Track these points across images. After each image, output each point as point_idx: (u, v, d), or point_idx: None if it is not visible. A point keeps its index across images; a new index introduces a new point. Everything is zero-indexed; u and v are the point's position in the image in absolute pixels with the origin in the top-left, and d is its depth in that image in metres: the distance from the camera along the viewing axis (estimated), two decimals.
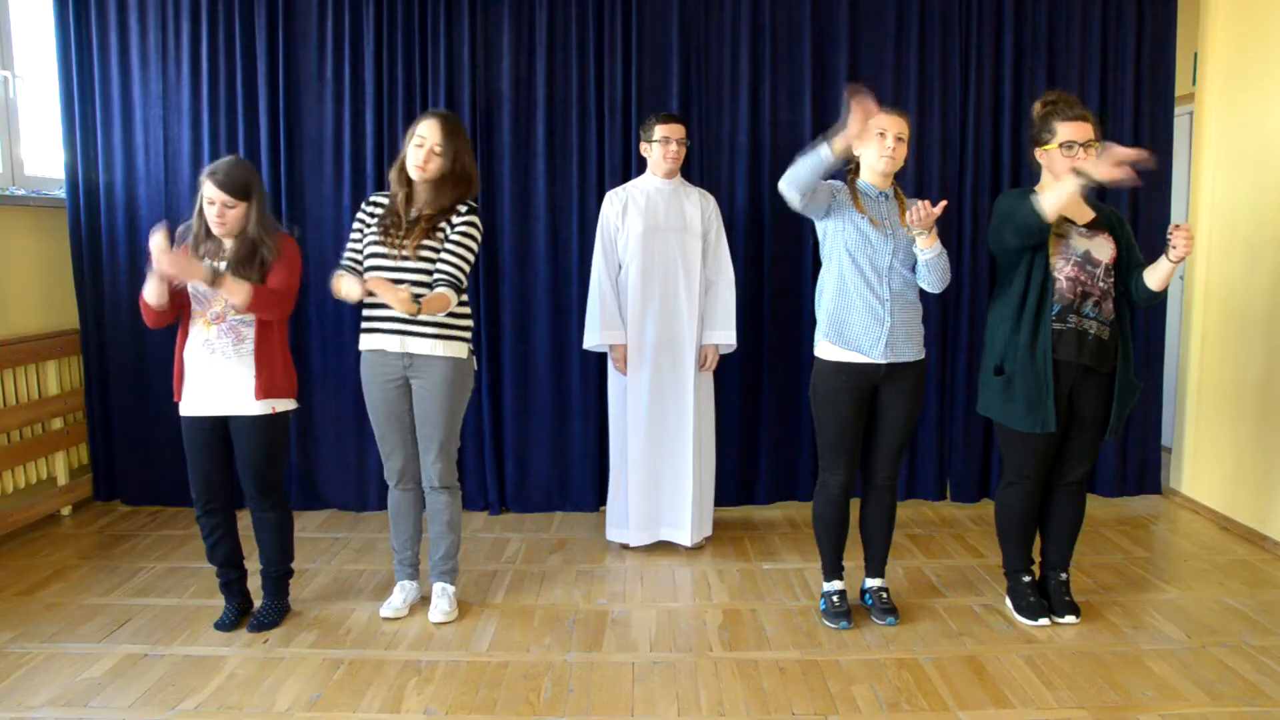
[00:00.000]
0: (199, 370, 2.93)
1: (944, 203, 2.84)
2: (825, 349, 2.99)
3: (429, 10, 4.10)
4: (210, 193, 2.82)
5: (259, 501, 3.05)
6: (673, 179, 3.67)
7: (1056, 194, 2.72)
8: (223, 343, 2.91)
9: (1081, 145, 2.84)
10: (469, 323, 3.09)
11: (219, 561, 3.08)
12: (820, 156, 2.75)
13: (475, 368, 3.20)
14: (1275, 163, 3.79)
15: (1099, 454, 3.55)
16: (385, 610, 3.15)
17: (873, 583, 3.17)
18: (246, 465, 3.00)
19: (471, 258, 3.00)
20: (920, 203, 2.81)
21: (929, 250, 2.90)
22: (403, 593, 3.20)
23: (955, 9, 4.18)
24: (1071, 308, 2.88)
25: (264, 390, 2.92)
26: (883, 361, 2.93)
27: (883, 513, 3.12)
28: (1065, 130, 2.85)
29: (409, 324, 2.96)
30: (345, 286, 2.86)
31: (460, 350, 3.04)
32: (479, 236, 3.03)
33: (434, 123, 2.94)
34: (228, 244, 2.89)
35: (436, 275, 2.94)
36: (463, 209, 3.01)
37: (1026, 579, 3.12)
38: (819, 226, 3.03)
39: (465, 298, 3.05)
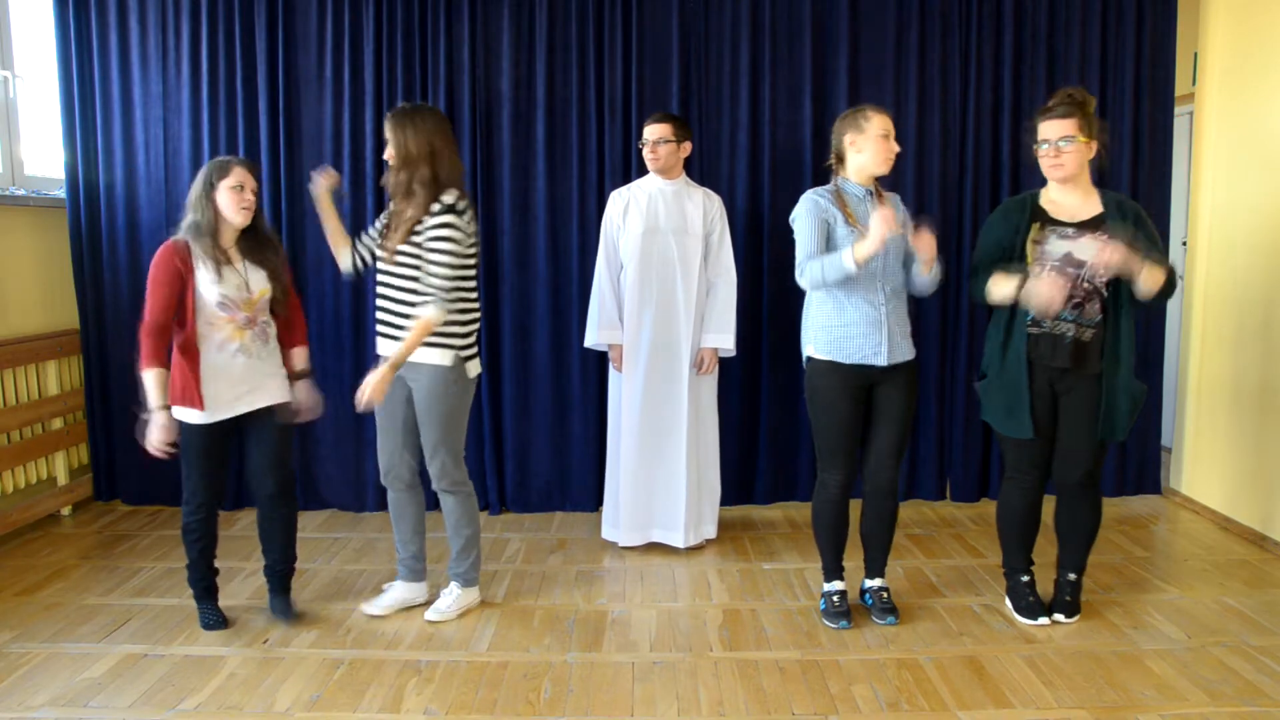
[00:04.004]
0: (230, 376, 2.90)
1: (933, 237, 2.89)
2: (818, 351, 2.98)
3: (429, 10, 4.10)
4: (243, 178, 2.88)
5: (280, 498, 3.07)
6: (674, 179, 3.66)
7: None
8: (256, 345, 2.96)
9: (1054, 143, 2.82)
10: (460, 329, 2.96)
11: (207, 566, 3.07)
12: (844, 268, 2.79)
13: (474, 374, 3.04)
14: (1275, 163, 3.79)
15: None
16: (368, 606, 3.17)
17: (872, 583, 3.16)
18: (276, 458, 3.03)
19: (451, 261, 2.84)
20: (925, 235, 2.86)
21: (933, 273, 2.95)
22: (392, 591, 3.20)
23: (955, 9, 4.18)
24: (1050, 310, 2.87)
25: (292, 372, 3.07)
26: (883, 364, 2.93)
27: (884, 516, 3.10)
28: (1042, 129, 2.86)
29: (396, 330, 2.92)
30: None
31: (444, 358, 2.93)
32: (455, 236, 2.85)
33: (386, 121, 2.91)
34: (230, 235, 2.92)
35: (422, 293, 2.86)
36: (436, 208, 2.85)
37: (1025, 579, 3.11)
38: None
39: (465, 304, 2.97)
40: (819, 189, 2.99)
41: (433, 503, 3.50)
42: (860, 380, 2.96)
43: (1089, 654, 2.85)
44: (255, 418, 2.98)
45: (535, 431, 4.27)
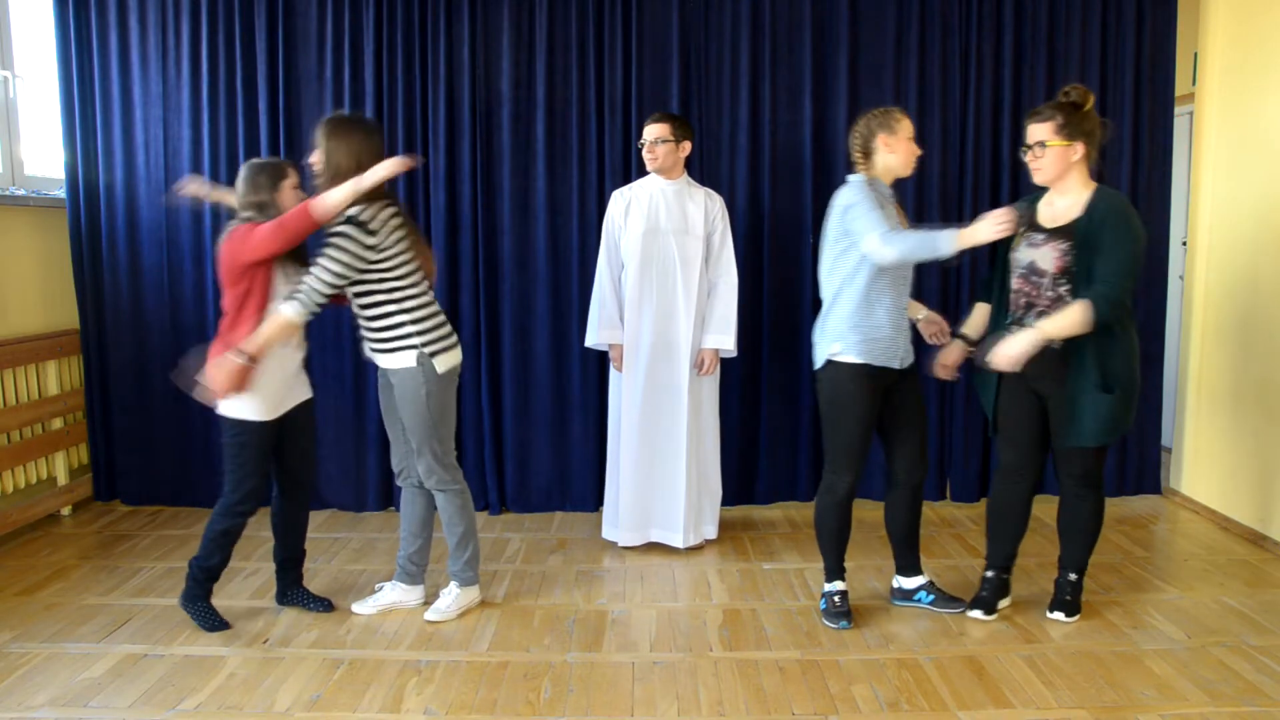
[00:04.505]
0: (289, 372, 2.99)
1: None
2: (845, 353, 2.94)
3: (429, 10, 4.10)
4: (297, 178, 2.96)
5: (310, 488, 3.22)
6: (675, 179, 3.66)
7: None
8: (300, 339, 3.03)
9: (1030, 147, 2.85)
10: (414, 328, 2.89)
11: (224, 568, 3.08)
12: (942, 250, 2.76)
13: (445, 368, 2.94)
14: (1275, 163, 3.79)
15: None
16: (358, 605, 3.19)
17: (919, 580, 3.18)
18: (310, 449, 3.14)
19: (334, 268, 2.74)
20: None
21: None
22: (383, 592, 3.22)
23: (955, 9, 4.18)
24: (1015, 318, 2.92)
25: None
26: (899, 367, 2.98)
27: (917, 513, 3.14)
28: (1026, 132, 2.89)
29: (363, 333, 2.97)
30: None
31: (406, 360, 2.90)
32: (346, 245, 2.74)
33: (317, 129, 2.87)
34: None
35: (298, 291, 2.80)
36: (339, 219, 2.77)
37: (989, 573, 3.14)
38: (846, 241, 2.92)
39: (411, 302, 2.90)
40: (856, 180, 2.95)
41: None
42: (879, 383, 2.98)
43: (1089, 654, 2.86)
44: (297, 410, 3.06)
45: (535, 431, 4.27)
